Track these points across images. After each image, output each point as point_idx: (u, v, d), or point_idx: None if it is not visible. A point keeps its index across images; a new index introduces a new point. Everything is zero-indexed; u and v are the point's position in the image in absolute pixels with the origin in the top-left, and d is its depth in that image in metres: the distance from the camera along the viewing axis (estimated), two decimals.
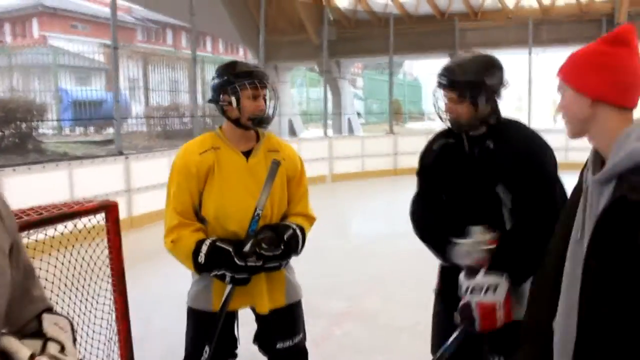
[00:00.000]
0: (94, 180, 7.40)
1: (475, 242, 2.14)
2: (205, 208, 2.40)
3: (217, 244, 2.31)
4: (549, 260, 1.55)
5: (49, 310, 1.28)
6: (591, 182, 1.38)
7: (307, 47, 16.47)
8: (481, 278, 2.09)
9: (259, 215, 2.32)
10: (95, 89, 16.39)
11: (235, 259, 2.26)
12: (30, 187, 6.28)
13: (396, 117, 20.13)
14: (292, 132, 17.42)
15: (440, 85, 2.23)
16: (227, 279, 2.30)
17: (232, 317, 2.51)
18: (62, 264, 2.40)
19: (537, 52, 15.56)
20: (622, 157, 1.28)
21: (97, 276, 2.44)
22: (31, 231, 2.14)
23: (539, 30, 15.28)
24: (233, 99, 2.37)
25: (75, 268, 2.43)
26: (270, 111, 2.42)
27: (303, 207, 2.58)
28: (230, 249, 2.28)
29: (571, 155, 14.20)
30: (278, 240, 2.34)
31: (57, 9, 28.89)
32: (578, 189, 1.49)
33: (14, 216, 1.24)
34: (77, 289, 2.42)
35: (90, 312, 2.45)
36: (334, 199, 11.18)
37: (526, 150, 2.19)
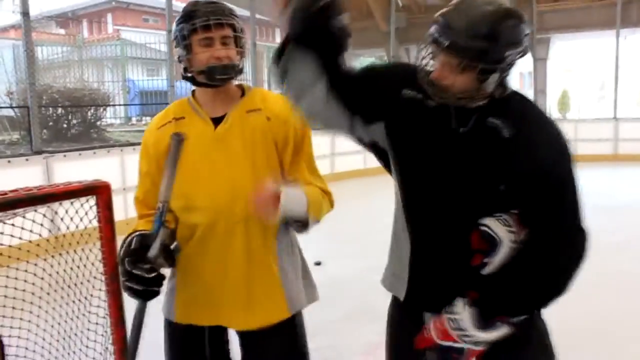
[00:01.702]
0: None
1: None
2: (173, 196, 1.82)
3: (133, 238, 1.75)
4: None
5: None
6: None
7: (376, 34, 15.89)
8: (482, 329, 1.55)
9: (162, 208, 1.70)
10: (162, 79, 16.62)
11: (125, 264, 1.68)
12: (80, 173, 6.14)
13: None
14: None
15: (436, 42, 1.47)
16: (123, 286, 1.72)
17: (201, 334, 1.94)
18: (52, 266, 2.06)
19: (625, 34, 14.37)
20: None
21: (90, 273, 2.02)
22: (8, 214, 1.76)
23: (628, 9, 14.08)
24: (181, 50, 1.80)
25: (67, 262, 2.05)
26: (233, 58, 1.81)
27: (311, 177, 1.95)
28: (131, 248, 1.70)
29: (623, 146, 13.30)
30: None
31: (130, 3, 29.69)
32: None
33: None
34: (69, 286, 2.03)
35: (83, 315, 2.05)
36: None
37: (558, 150, 1.54)
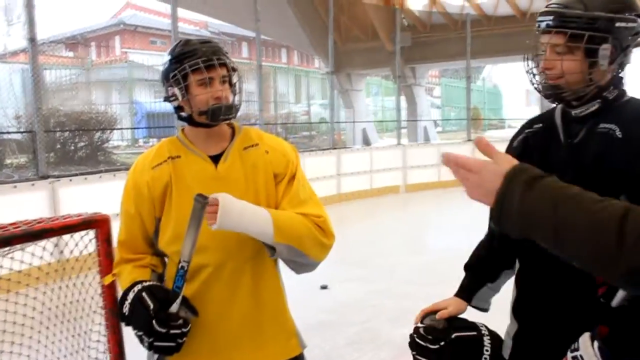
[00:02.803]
0: None
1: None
2: (161, 239, 1.80)
3: (143, 294, 1.67)
4: None
5: None
6: None
7: (381, 54, 15.96)
8: None
9: (184, 268, 1.66)
10: None
11: (154, 324, 1.63)
12: (86, 198, 6.15)
13: (475, 125, 19.28)
14: (367, 141, 16.94)
15: (541, 25, 1.47)
16: (145, 344, 1.65)
17: None
18: (51, 299, 2.02)
19: None
20: None
21: (90, 307, 2.00)
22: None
23: None
24: (177, 90, 1.77)
25: (66, 296, 2.02)
26: (232, 98, 1.80)
27: (297, 204, 1.86)
28: (152, 306, 1.64)
29: None
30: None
31: (137, 26, 29.90)
32: None
33: None
34: (68, 320, 2.00)
35: (83, 350, 2.03)
36: (407, 211, 10.60)
37: None
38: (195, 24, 30.60)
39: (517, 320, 1.64)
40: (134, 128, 15.40)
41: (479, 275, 1.73)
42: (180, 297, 1.68)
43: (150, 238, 1.84)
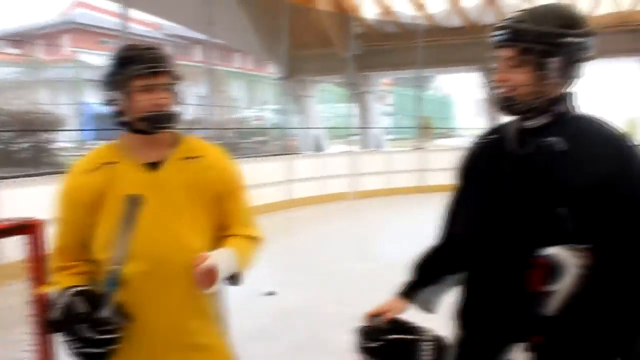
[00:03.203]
0: None
1: None
2: (95, 246, 1.75)
3: (73, 298, 1.63)
4: None
5: None
6: None
7: (334, 61, 16.05)
8: None
9: (116, 272, 1.62)
10: None
11: (83, 328, 1.58)
12: (29, 201, 5.96)
13: (425, 133, 19.57)
14: (318, 148, 16.99)
15: (496, 40, 1.53)
16: (74, 350, 1.60)
17: None
18: None
19: None
20: None
21: (20, 315, 1.94)
22: None
23: None
24: (118, 95, 1.74)
25: None
26: (174, 106, 1.78)
27: (241, 227, 1.93)
28: (81, 311, 1.59)
29: None
30: None
31: (87, 25, 29.22)
32: None
33: None
34: None
35: None
36: (357, 217, 10.65)
37: (620, 162, 1.43)
38: (148, 25, 30.11)
39: (464, 326, 1.69)
40: (81, 130, 15.06)
41: (423, 276, 1.76)
42: (111, 302, 1.64)
43: (86, 245, 1.79)
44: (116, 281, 1.65)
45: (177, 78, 1.81)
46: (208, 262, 1.69)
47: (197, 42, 33.19)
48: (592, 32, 1.51)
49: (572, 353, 1.36)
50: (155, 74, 1.73)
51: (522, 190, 1.49)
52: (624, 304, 1.35)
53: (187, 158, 1.85)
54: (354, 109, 16.18)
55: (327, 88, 23.42)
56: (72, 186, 1.80)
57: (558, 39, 1.47)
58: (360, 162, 12.63)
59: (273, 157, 11.72)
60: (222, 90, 17.35)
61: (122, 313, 1.68)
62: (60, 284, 1.72)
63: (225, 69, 24.33)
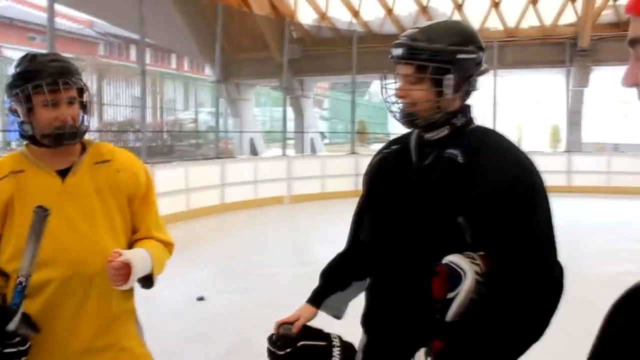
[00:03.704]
0: None
1: None
2: (2, 256, 1.73)
3: None
4: None
5: None
6: None
7: (270, 65, 16.06)
8: None
9: (22, 284, 1.60)
10: None
11: None
12: None
13: (361, 138, 19.81)
14: (254, 151, 16.94)
15: (393, 57, 1.59)
16: None
17: None
18: None
19: (501, 74, 15.39)
20: None
21: None
22: None
23: (504, 52, 15.13)
24: (19, 109, 1.72)
25: None
26: (79, 121, 1.78)
27: (153, 231, 1.94)
28: None
29: (575, 179, 14.24)
30: None
31: (13, 19, 28.06)
32: None
33: None
34: None
35: None
36: (291, 221, 10.71)
37: (512, 175, 1.50)
38: (80, 22, 29.21)
39: (367, 332, 1.74)
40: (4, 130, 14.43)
41: (329, 283, 1.82)
42: (19, 314, 1.63)
43: None
44: (23, 293, 1.63)
45: (83, 91, 1.80)
46: (122, 258, 1.71)
47: (132, 41, 32.54)
48: (484, 48, 1.60)
49: (469, 358, 1.43)
50: (58, 89, 1.71)
51: (424, 200, 1.56)
52: (516, 310, 1.43)
53: (97, 163, 1.86)
54: (290, 113, 16.23)
55: (263, 92, 23.37)
56: None
57: (451, 56, 1.53)
58: (295, 166, 12.70)
59: (208, 161, 11.63)
60: (157, 91, 17.05)
61: (30, 324, 1.67)
62: None
63: (160, 70, 23.92)
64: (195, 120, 18.44)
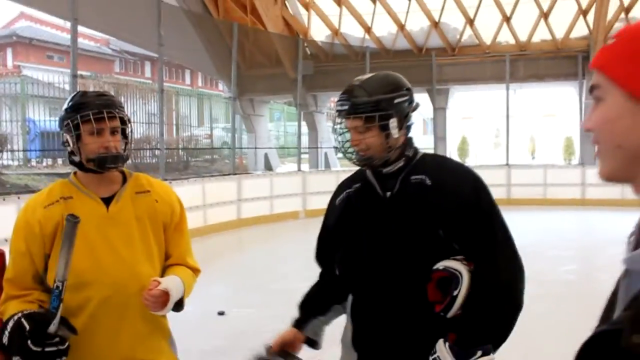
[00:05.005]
0: None
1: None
2: (50, 275, 1.90)
3: (22, 319, 1.75)
4: None
5: None
6: (625, 261, 0.87)
7: (284, 81, 16.25)
8: None
9: (59, 288, 1.78)
10: None
11: (29, 342, 1.71)
12: None
13: None
14: (268, 166, 17.09)
15: (340, 113, 1.84)
16: None
17: None
18: None
19: (514, 87, 15.49)
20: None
21: None
22: None
23: (516, 66, 15.25)
24: (69, 137, 1.94)
25: None
26: (121, 148, 1.97)
27: (185, 258, 2.13)
28: (27, 327, 1.72)
29: (589, 191, 14.27)
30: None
31: (32, 39, 28.51)
32: None
33: None
34: None
35: None
36: (306, 236, 10.77)
37: (469, 187, 1.82)
38: (96, 40, 29.67)
39: (357, 350, 1.92)
40: (26, 150, 14.69)
41: (311, 309, 1.99)
42: (57, 317, 1.77)
43: (40, 275, 1.94)
44: (60, 297, 1.78)
45: (126, 122, 1.99)
46: (161, 287, 1.89)
47: (147, 58, 32.99)
48: (411, 89, 1.88)
49: (477, 339, 1.69)
50: (102, 119, 1.91)
51: (405, 221, 1.81)
52: (502, 292, 1.72)
53: (138, 193, 2.05)
54: (304, 128, 16.37)
55: (277, 107, 23.58)
56: (29, 219, 1.95)
57: (390, 103, 1.79)
58: (310, 180, 12.81)
59: (222, 177, 11.79)
60: (172, 108, 17.29)
61: (68, 326, 1.82)
62: (12, 311, 1.84)
63: (175, 86, 24.24)
64: (210, 136, 18.65)
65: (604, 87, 0.87)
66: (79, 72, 8.23)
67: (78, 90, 7.72)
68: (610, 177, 0.89)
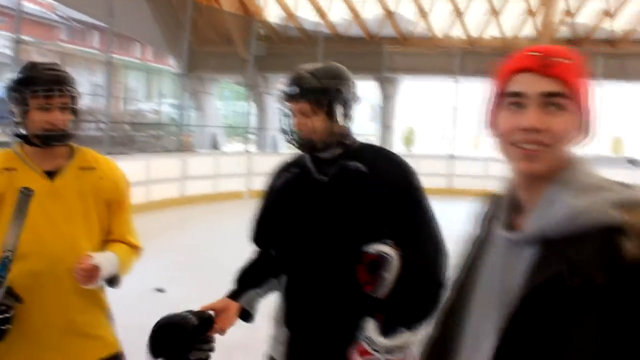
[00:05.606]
0: None
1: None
2: None
3: None
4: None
5: None
6: (504, 240, 1.05)
7: (235, 60, 16.11)
8: (391, 339, 1.77)
9: (8, 257, 1.79)
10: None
11: None
12: None
13: None
14: (215, 145, 16.97)
15: (290, 97, 1.89)
16: None
17: None
18: None
19: (462, 81, 15.83)
20: (556, 218, 0.95)
21: None
22: None
23: (465, 60, 15.55)
24: (15, 109, 1.93)
25: None
26: (68, 125, 1.95)
27: (125, 235, 2.14)
28: None
29: (457, 181, 14.74)
30: None
31: None
32: (479, 241, 1.15)
33: None
34: None
35: None
36: (250, 216, 10.81)
37: (402, 176, 1.92)
38: (42, 4, 28.58)
39: (290, 328, 1.98)
40: None
41: (246, 281, 2.03)
42: (3, 286, 1.78)
43: None
44: (8, 266, 1.79)
45: (75, 98, 1.98)
46: (92, 261, 1.89)
47: (95, 27, 31.95)
48: (355, 81, 1.96)
49: (402, 320, 1.78)
50: (53, 95, 1.90)
51: (342, 204, 1.89)
52: (431, 277, 1.82)
53: (82, 168, 2.04)
54: (253, 108, 16.31)
55: (227, 86, 23.35)
56: None
57: (336, 90, 1.88)
58: (256, 161, 12.80)
59: (168, 153, 11.66)
60: (120, 80, 16.91)
61: (13, 295, 1.82)
62: None
63: (123, 58, 23.63)
64: (158, 112, 18.34)
65: (568, 98, 1.00)
66: (21, 37, 7.95)
67: (19, 55, 7.54)
68: (543, 174, 1.01)
